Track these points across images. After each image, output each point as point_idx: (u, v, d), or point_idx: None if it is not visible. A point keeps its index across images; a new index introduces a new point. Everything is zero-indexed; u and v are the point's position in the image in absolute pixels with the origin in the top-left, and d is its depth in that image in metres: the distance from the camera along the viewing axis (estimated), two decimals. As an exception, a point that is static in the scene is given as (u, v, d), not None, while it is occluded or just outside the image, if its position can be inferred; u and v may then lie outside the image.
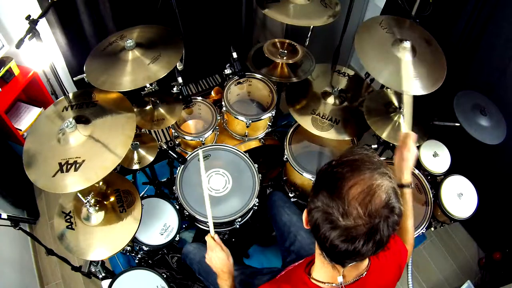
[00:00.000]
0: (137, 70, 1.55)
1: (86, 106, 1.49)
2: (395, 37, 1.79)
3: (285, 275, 1.11)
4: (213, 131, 2.00)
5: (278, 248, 1.72)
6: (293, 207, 1.73)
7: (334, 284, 0.91)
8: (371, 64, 1.69)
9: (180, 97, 1.87)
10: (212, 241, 1.27)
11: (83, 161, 1.30)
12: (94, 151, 1.34)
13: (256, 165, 1.85)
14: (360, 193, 0.74)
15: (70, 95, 1.53)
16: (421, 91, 1.64)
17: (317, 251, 0.90)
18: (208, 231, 1.80)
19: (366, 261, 0.94)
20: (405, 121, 1.43)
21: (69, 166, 1.29)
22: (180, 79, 1.80)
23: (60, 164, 1.30)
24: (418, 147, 1.91)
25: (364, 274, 0.94)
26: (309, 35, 2.15)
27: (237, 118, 1.99)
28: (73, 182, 1.26)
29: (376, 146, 1.90)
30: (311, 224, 0.82)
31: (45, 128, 1.44)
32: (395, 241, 1.08)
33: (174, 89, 1.88)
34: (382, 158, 1.93)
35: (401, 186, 1.23)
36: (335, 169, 0.80)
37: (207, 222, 1.71)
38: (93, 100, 1.51)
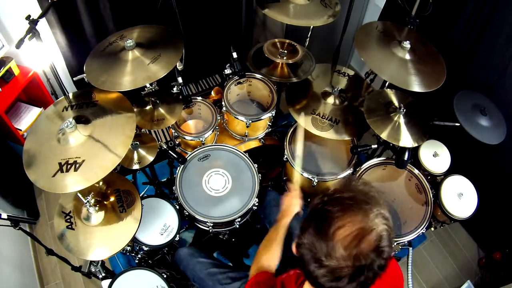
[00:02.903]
0: (137, 70, 1.55)
1: (86, 106, 1.49)
2: (395, 39, 1.80)
3: (279, 280, 1.10)
4: (213, 131, 2.00)
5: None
6: None
7: None
8: (373, 62, 1.70)
9: (180, 97, 1.87)
10: (296, 187, 1.39)
11: (83, 161, 1.30)
12: (94, 151, 1.34)
13: (256, 165, 1.85)
14: (347, 236, 0.73)
15: (70, 95, 1.53)
16: (420, 89, 1.65)
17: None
18: (208, 231, 1.80)
19: None
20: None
21: (69, 166, 1.29)
22: (180, 79, 1.80)
23: (60, 164, 1.30)
24: (418, 147, 1.91)
25: None
26: (309, 35, 2.15)
27: (237, 118, 1.99)
28: (73, 182, 1.26)
29: (376, 146, 1.90)
30: (298, 257, 0.81)
31: (45, 128, 1.44)
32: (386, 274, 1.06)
33: (174, 89, 1.88)
34: (382, 158, 1.94)
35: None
36: (326, 206, 0.78)
37: (207, 222, 1.72)
38: (93, 100, 1.51)
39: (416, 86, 1.66)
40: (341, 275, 0.73)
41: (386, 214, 0.77)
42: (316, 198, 0.83)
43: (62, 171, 1.28)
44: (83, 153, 1.32)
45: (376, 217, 0.75)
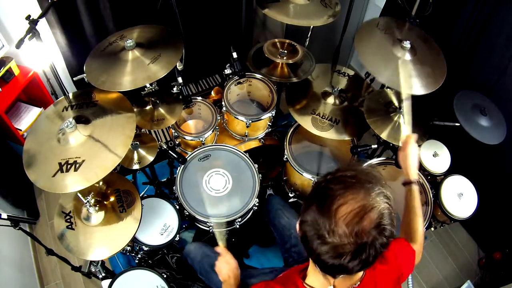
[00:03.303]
0: (137, 70, 1.55)
1: (86, 106, 1.49)
2: (395, 37, 1.80)
3: (282, 276, 1.11)
4: (213, 131, 2.00)
5: (279, 249, 1.72)
6: (292, 210, 1.74)
7: None
8: (372, 64, 1.70)
9: (180, 97, 1.87)
10: (225, 249, 1.33)
11: (83, 161, 1.30)
12: (94, 151, 1.34)
13: (256, 165, 1.85)
14: (349, 213, 0.74)
15: (70, 95, 1.53)
16: (421, 91, 1.64)
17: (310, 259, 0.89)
18: (208, 231, 1.80)
19: (360, 273, 0.93)
20: (405, 123, 1.43)
21: (69, 166, 1.29)
22: (180, 79, 1.80)
23: (60, 164, 1.30)
24: (418, 147, 1.91)
25: (356, 285, 0.93)
26: (309, 35, 2.15)
27: (237, 118, 1.99)
28: (73, 182, 1.26)
29: (376, 146, 1.90)
30: (300, 234, 0.82)
31: (45, 128, 1.44)
32: (395, 257, 1.06)
33: (174, 89, 1.88)
34: (382, 158, 1.94)
35: (409, 183, 1.25)
36: (329, 184, 0.79)
37: (207, 222, 1.72)
38: (93, 100, 1.51)
39: (416, 88, 1.64)
40: (344, 252, 0.74)
41: (388, 194, 0.79)
42: (320, 177, 0.84)
43: (62, 171, 1.28)
44: (83, 153, 1.32)
45: (378, 196, 0.76)
